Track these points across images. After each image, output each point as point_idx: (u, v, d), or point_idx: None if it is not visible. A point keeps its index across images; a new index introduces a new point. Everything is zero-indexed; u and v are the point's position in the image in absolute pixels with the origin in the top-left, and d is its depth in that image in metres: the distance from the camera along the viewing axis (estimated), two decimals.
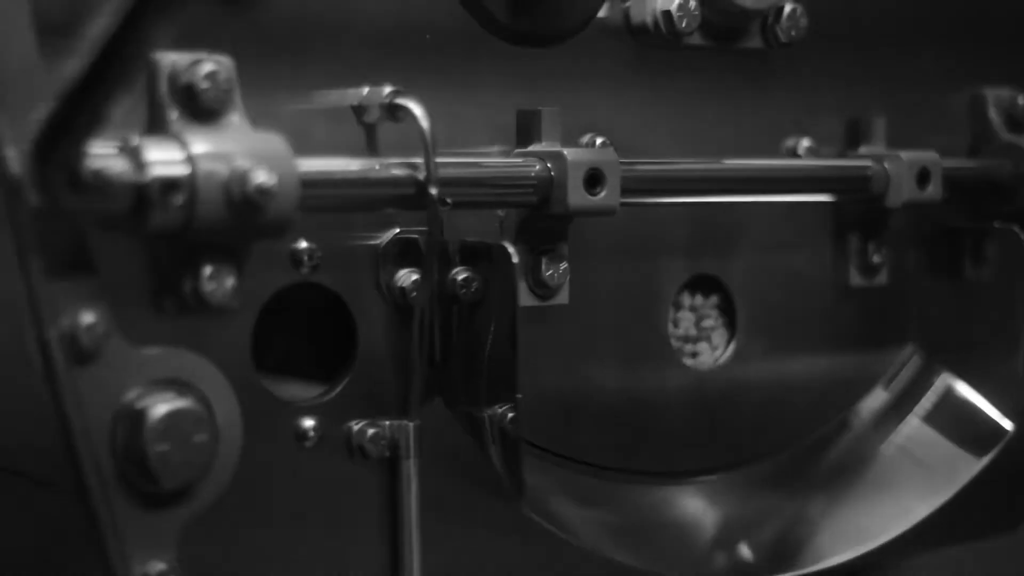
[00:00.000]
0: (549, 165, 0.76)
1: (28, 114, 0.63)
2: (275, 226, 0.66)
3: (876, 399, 0.98)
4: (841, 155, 0.93)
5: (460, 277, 0.76)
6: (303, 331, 0.77)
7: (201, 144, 0.64)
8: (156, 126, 0.66)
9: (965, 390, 0.99)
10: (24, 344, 0.65)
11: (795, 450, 0.94)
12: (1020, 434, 0.98)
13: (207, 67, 0.66)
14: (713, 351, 0.91)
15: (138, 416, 0.66)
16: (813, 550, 0.90)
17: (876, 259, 0.95)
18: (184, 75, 0.66)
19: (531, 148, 0.78)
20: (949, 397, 0.99)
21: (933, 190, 0.92)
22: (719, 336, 0.91)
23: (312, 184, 0.67)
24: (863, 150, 0.93)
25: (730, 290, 0.90)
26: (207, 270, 0.67)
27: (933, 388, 0.99)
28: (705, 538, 0.89)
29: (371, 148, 0.75)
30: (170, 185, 0.63)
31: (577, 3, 0.81)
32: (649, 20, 0.83)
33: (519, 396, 0.73)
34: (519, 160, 0.77)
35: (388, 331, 0.75)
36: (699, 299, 0.90)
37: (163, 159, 0.63)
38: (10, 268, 0.63)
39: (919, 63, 0.96)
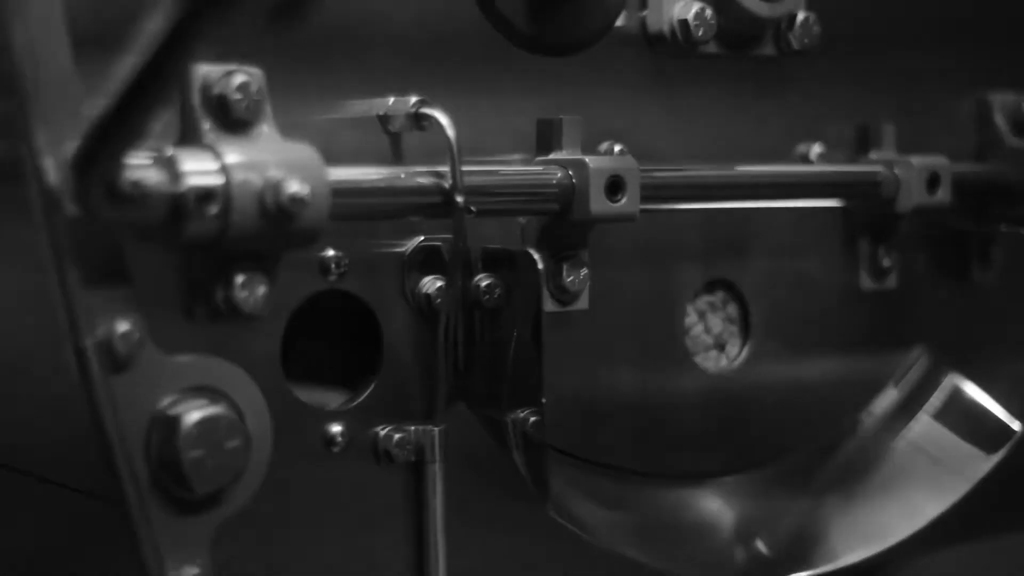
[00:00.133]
0: (571, 173, 0.77)
1: (65, 126, 0.64)
2: (307, 235, 0.67)
3: (887, 400, 0.99)
4: (852, 160, 0.95)
5: (483, 284, 0.77)
6: (327, 337, 0.78)
7: (234, 154, 0.65)
8: (189, 137, 0.67)
9: (973, 390, 1.01)
10: (59, 353, 0.66)
11: (809, 451, 0.95)
12: None
13: (239, 78, 0.68)
14: (728, 354, 0.92)
15: (172, 423, 0.67)
16: (829, 549, 0.91)
17: (886, 263, 0.96)
18: (216, 86, 0.67)
19: (552, 156, 0.79)
20: (957, 397, 1.01)
21: (943, 194, 0.93)
22: (734, 339, 0.92)
23: (342, 193, 0.68)
24: (873, 155, 0.94)
25: (744, 294, 0.92)
26: (239, 278, 0.69)
27: (942, 388, 1.01)
28: (723, 538, 0.90)
29: (396, 157, 0.76)
30: (206, 195, 0.64)
31: (595, 13, 0.82)
32: (666, 29, 0.84)
33: (544, 401, 0.75)
34: (541, 168, 0.78)
35: (413, 337, 0.76)
36: (714, 303, 0.92)
37: (198, 169, 0.64)
38: (47, 277, 0.65)
39: (926, 69, 0.98)
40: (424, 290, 0.76)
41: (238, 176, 0.65)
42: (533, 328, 0.75)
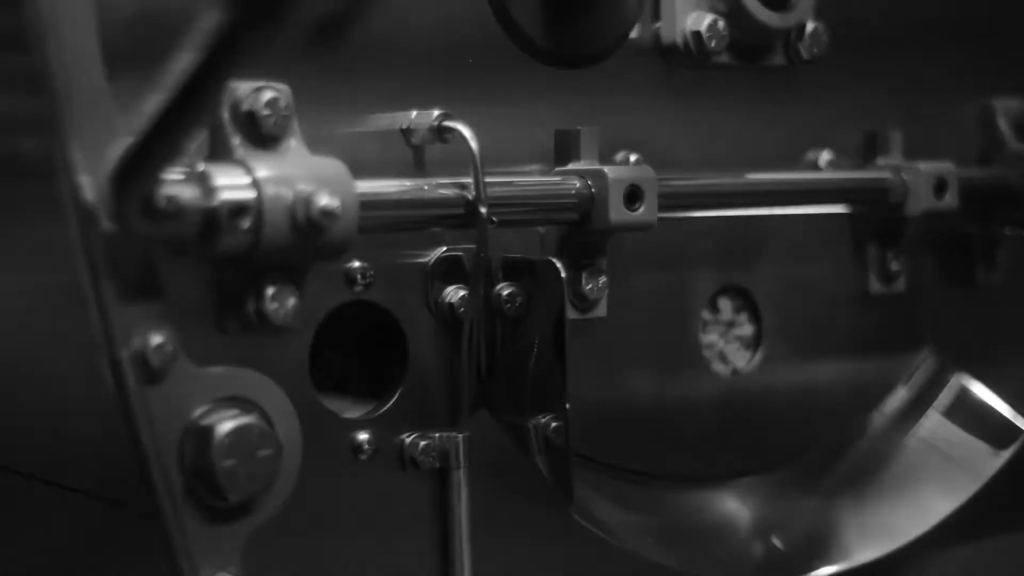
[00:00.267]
0: (590, 183, 0.79)
1: (99, 143, 0.65)
2: (336, 247, 0.69)
3: (896, 400, 1.01)
4: (860, 166, 0.96)
5: (505, 292, 0.78)
6: (350, 348, 0.79)
7: (265, 169, 0.67)
8: (219, 152, 0.69)
9: (980, 390, 1.03)
10: (93, 366, 0.67)
11: (822, 451, 0.97)
12: None
13: (268, 95, 0.69)
14: (741, 358, 0.94)
15: (206, 433, 0.68)
16: (844, 548, 0.93)
17: (894, 267, 0.98)
18: (245, 102, 0.69)
19: (570, 167, 0.81)
20: (965, 396, 1.02)
21: (950, 199, 0.95)
22: (747, 344, 0.94)
23: (368, 205, 0.70)
24: (881, 161, 0.96)
25: (757, 299, 0.93)
26: (270, 291, 0.70)
27: (949, 388, 1.02)
28: (739, 539, 0.91)
29: (419, 169, 0.77)
30: (238, 209, 0.66)
31: (610, 25, 0.84)
32: (679, 40, 0.86)
33: (568, 406, 0.76)
34: (561, 178, 0.80)
35: (437, 346, 0.78)
36: (727, 308, 0.93)
37: (231, 184, 0.66)
38: (83, 292, 0.66)
39: (931, 76, 1.00)
40: (447, 299, 0.78)
41: (269, 190, 0.66)
42: (556, 335, 0.76)
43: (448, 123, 0.75)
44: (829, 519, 0.95)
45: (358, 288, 0.75)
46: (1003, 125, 1.03)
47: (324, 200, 0.66)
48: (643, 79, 0.87)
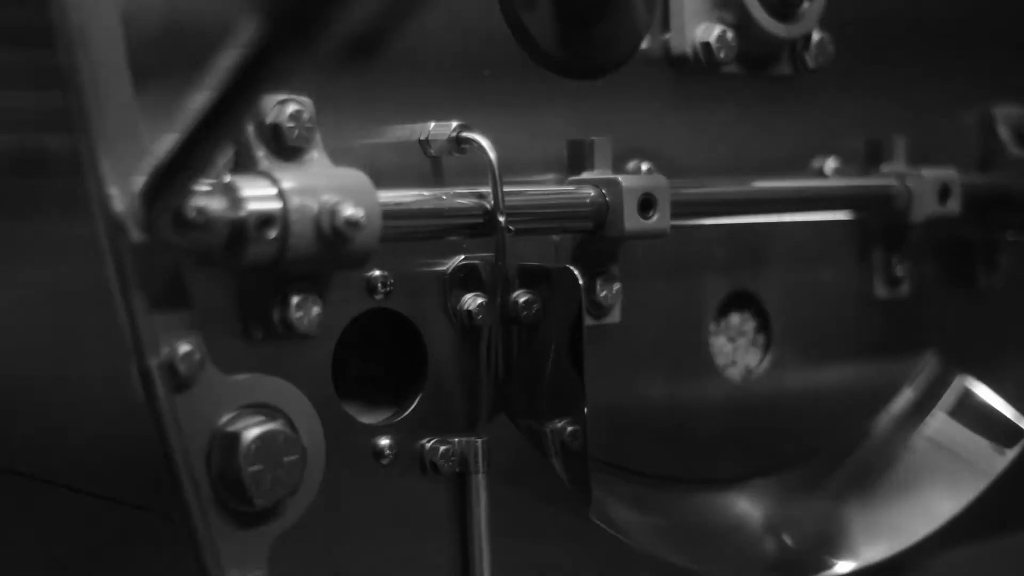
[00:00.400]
0: (604, 191, 0.81)
1: (127, 155, 0.67)
2: (360, 256, 0.70)
3: (901, 403, 1.03)
4: (865, 173, 0.98)
5: (521, 300, 0.80)
6: (369, 353, 0.80)
7: (290, 180, 0.68)
8: (244, 164, 0.70)
9: (983, 392, 1.04)
10: (120, 374, 0.69)
11: (830, 453, 0.99)
12: None
13: (291, 107, 0.71)
14: (751, 362, 0.95)
15: (232, 439, 0.70)
16: (852, 548, 0.95)
17: (899, 272, 1.00)
18: (270, 115, 0.70)
19: (584, 176, 0.82)
20: (968, 398, 1.04)
21: (953, 205, 0.97)
22: (756, 348, 0.96)
23: (390, 215, 0.71)
24: (885, 167, 0.98)
25: (765, 304, 0.95)
26: (295, 299, 0.72)
27: (953, 389, 1.04)
28: (751, 539, 0.93)
29: (436, 179, 0.79)
30: (265, 219, 0.67)
31: (621, 37, 0.86)
32: (689, 51, 0.88)
33: (586, 411, 0.77)
34: (575, 188, 0.81)
35: (455, 353, 0.79)
36: (737, 314, 0.95)
37: (257, 195, 0.67)
38: (112, 301, 0.67)
39: (933, 84, 1.01)
40: (466, 307, 0.79)
41: (295, 201, 0.68)
42: (574, 341, 0.78)
43: (466, 134, 0.77)
44: (838, 519, 0.97)
45: (379, 296, 0.76)
46: (1003, 132, 1.04)
47: (349, 210, 0.68)
48: (653, 89, 0.88)
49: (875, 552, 0.94)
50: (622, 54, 0.86)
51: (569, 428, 0.79)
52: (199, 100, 0.58)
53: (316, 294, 0.72)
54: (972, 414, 1.04)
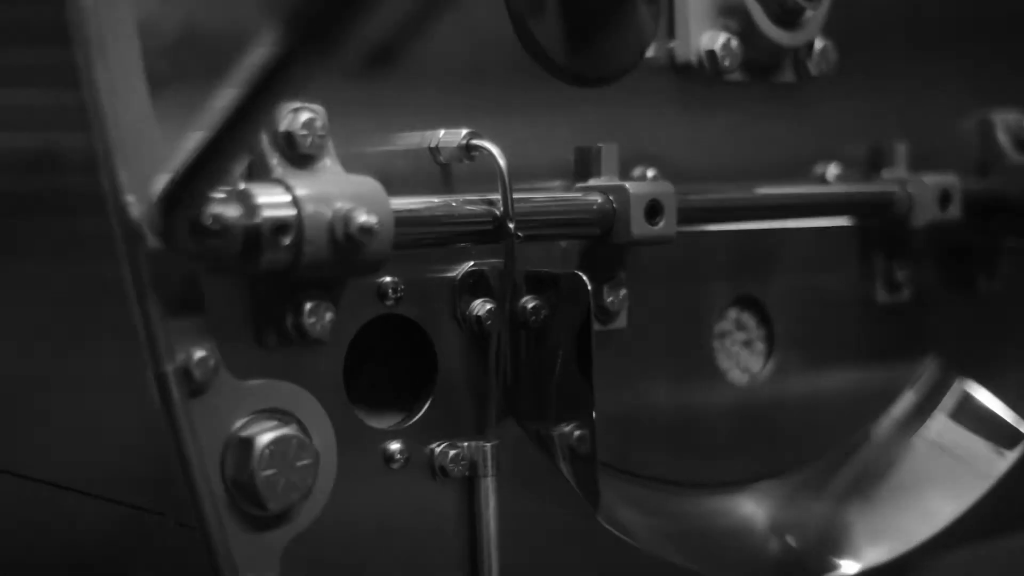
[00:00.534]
0: (611, 198, 0.81)
1: (144, 163, 0.67)
2: (372, 263, 0.71)
3: (902, 406, 1.04)
4: (867, 179, 0.99)
5: (529, 305, 0.80)
6: (378, 359, 0.81)
7: (304, 187, 0.69)
8: (258, 171, 0.71)
9: (983, 395, 1.05)
10: (136, 382, 0.69)
11: (833, 455, 1.00)
12: None
13: (304, 116, 0.71)
14: (755, 366, 0.96)
15: (246, 444, 0.71)
16: (856, 550, 0.96)
17: (900, 277, 1.01)
18: (283, 123, 0.71)
19: (591, 182, 0.83)
20: (968, 401, 1.05)
21: (953, 211, 0.98)
22: (759, 352, 0.96)
23: (402, 222, 0.72)
24: (886, 173, 0.99)
25: (769, 309, 0.96)
26: (308, 306, 0.72)
27: (954, 394, 1.05)
28: (755, 541, 0.94)
29: (446, 186, 0.79)
30: (280, 226, 0.68)
31: (627, 46, 0.86)
32: (694, 59, 0.89)
33: (594, 415, 0.78)
34: (583, 194, 0.82)
35: (465, 358, 0.80)
36: (741, 318, 0.95)
37: (272, 202, 0.68)
38: (128, 308, 0.68)
39: (934, 91, 1.02)
40: (475, 312, 0.80)
41: (309, 208, 0.68)
42: (583, 346, 0.78)
43: (476, 142, 0.78)
44: (841, 521, 0.98)
45: (389, 302, 0.77)
46: (1002, 138, 1.06)
47: (363, 217, 0.69)
48: (658, 96, 0.89)
49: (878, 554, 0.95)
50: (628, 62, 0.87)
51: (577, 432, 0.80)
52: (218, 108, 0.59)
53: (329, 300, 0.72)
54: (972, 417, 1.05)
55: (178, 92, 0.68)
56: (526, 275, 0.80)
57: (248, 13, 0.69)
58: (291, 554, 0.72)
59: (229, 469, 0.70)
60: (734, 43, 0.89)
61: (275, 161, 0.70)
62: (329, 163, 0.72)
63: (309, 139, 0.71)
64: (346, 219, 0.68)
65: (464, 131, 0.78)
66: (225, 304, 0.70)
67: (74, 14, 0.66)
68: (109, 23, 0.67)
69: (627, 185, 0.81)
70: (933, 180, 0.97)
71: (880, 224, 0.98)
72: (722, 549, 0.91)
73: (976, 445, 1.04)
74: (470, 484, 0.79)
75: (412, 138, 0.79)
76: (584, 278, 0.78)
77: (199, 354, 0.69)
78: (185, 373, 0.69)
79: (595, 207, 0.81)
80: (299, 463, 0.72)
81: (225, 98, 0.58)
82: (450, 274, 0.79)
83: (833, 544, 0.96)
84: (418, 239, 0.75)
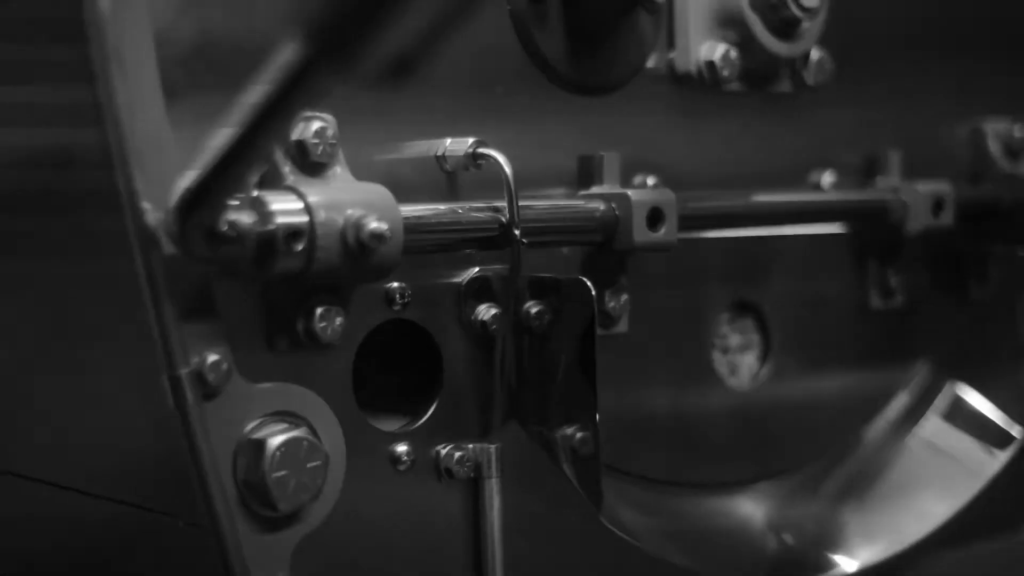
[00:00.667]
0: (614, 205, 0.83)
1: (159, 170, 0.69)
2: (383, 268, 0.73)
3: (896, 408, 1.06)
4: (861, 186, 1.01)
5: (533, 310, 0.82)
6: (383, 363, 0.82)
7: (316, 195, 0.71)
8: (270, 179, 0.72)
9: (974, 398, 1.07)
10: (147, 383, 0.71)
11: (828, 458, 1.01)
12: None
13: (316, 125, 0.73)
14: (752, 370, 0.98)
15: (258, 446, 0.72)
16: (850, 550, 0.98)
17: (894, 283, 1.03)
18: (295, 132, 0.72)
19: (593, 190, 0.85)
20: (960, 404, 1.07)
21: (946, 218, 1.00)
22: (756, 357, 0.98)
23: (411, 229, 0.74)
24: (880, 181, 1.01)
25: (765, 314, 0.98)
26: (318, 310, 0.74)
27: (946, 396, 1.07)
28: (751, 543, 0.95)
29: (452, 193, 0.81)
30: (294, 233, 0.69)
31: (627, 56, 0.88)
32: (693, 69, 0.90)
33: (598, 418, 0.80)
34: (586, 202, 0.84)
35: (470, 362, 0.81)
36: (737, 323, 0.97)
37: (285, 209, 0.70)
38: (142, 312, 0.69)
39: (925, 101, 1.04)
40: (480, 317, 0.81)
41: (321, 215, 0.70)
42: (586, 350, 0.80)
43: (483, 150, 0.79)
44: (836, 522, 1.00)
45: (397, 307, 0.78)
46: (993, 146, 1.07)
47: (373, 224, 0.70)
48: (658, 105, 0.91)
49: (872, 553, 0.97)
50: (629, 72, 0.88)
51: (579, 434, 0.81)
52: (236, 116, 0.60)
53: (339, 305, 0.74)
54: (964, 419, 1.07)
55: (194, 101, 0.70)
56: (529, 280, 0.82)
57: (263, 23, 0.71)
58: (301, 554, 0.73)
59: (241, 470, 0.72)
60: (733, 54, 0.90)
61: (287, 169, 0.72)
62: (340, 171, 0.73)
63: (320, 147, 0.72)
64: (357, 226, 0.70)
65: (470, 140, 0.80)
66: (237, 309, 0.72)
67: (92, 24, 0.68)
68: (126, 35, 0.68)
69: (629, 193, 0.83)
70: (926, 188, 0.99)
71: (874, 231, 1.00)
72: (721, 548, 0.93)
73: (968, 446, 1.05)
74: (475, 485, 0.81)
75: (419, 147, 0.80)
76: (588, 284, 0.79)
77: (212, 358, 0.70)
78: (199, 376, 0.70)
79: (598, 214, 0.83)
80: (309, 464, 0.73)
81: (244, 107, 0.60)
82: (456, 280, 0.81)
83: (829, 543, 0.98)
84: (425, 245, 0.77)
